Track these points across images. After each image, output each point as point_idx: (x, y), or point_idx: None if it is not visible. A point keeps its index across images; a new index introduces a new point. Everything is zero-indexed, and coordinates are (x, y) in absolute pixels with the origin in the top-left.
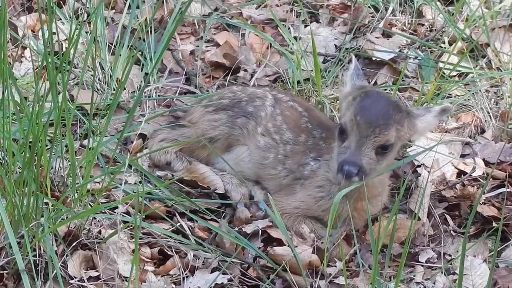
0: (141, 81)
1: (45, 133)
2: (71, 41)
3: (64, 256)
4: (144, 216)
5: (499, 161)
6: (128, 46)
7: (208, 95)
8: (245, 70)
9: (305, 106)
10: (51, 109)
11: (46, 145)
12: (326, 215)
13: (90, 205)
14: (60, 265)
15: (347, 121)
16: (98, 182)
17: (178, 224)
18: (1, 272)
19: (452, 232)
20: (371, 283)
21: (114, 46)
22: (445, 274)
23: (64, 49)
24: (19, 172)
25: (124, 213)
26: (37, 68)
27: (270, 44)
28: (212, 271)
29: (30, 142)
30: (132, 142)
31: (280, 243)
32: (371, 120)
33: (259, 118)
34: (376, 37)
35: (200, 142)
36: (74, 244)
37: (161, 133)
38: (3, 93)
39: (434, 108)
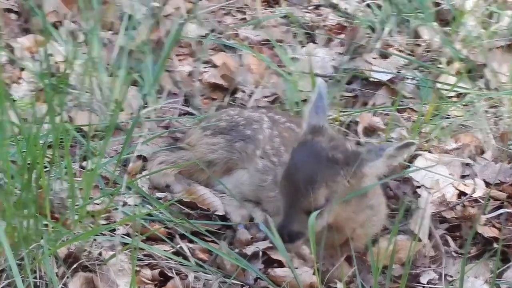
0: (140, 103)
1: (44, 154)
2: (68, 62)
3: (65, 278)
4: (144, 238)
5: (499, 181)
6: (127, 67)
7: (204, 117)
8: (243, 91)
9: None
10: (49, 130)
11: (45, 167)
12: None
13: (90, 226)
14: (61, 287)
15: (279, 182)
16: (98, 204)
17: (179, 245)
18: None
19: (453, 253)
20: None
21: (112, 68)
22: None
23: (61, 71)
24: (18, 194)
25: (124, 234)
26: (35, 90)
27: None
28: None
29: (28, 164)
30: (132, 164)
31: (280, 264)
32: (295, 185)
33: (258, 141)
34: (374, 58)
35: (199, 165)
36: (74, 266)
37: (160, 155)
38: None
39: (388, 149)
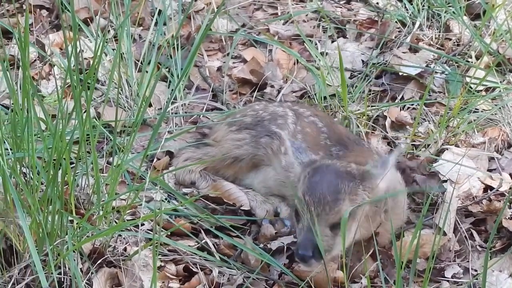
0: (168, 98)
1: (70, 150)
2: (96, 57)
3: (89, 273)
4: (169, 233)
5: None
6: (155, 63)
7: (231, 112)
8: (272, 86)
9: (326, 121)
10: (75, 126)
11: (72, 163)
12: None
13: (115, 222)
14: (85, 283)
15: (297, 202)
16: (124, 200)
17: (203, 241)
18: None
19: (478, 247)
20: None
21: (141, 63)
22: None
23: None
24: (44, 190)
25: (149, 230)
26: (65, 85)
27: (297, 60)
28: (237, 287)
29: (54, 159)
30: (159, 159)
31: None
32: (319, 199)
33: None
34: (403, 52)
35: (225, 161)
36: (99, 261)
37: (185, 152)
38: (28, 112)
39: (390, 160)
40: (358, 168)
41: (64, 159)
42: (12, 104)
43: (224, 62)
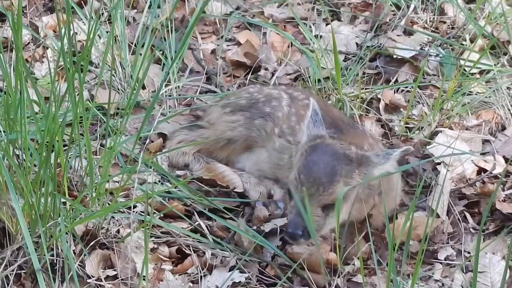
0: (162, 81)
1: (62, 132)
2: (89, 40)
3: (82, 255)
4: (162, 215)
5: None
6: (148, 45)
7: (225, 94)
8: (266, 69)
9: (321, 104)
10: (68, 108)
11: (65, 145)
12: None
13: (108, 204)
14: (78, 265)
15: (292, 180)
16: (117, 182)
17: (196, 223)
18: (19, 271)
19: (471, 229)
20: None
21: (135, 46)
22: (463, 272)
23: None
24: (36, 172)
25: (142, 212)
26: (57, 67)
27: (291, 42)
28: (230, 269)
29: (47, 142)
30: (152, 142)
31: None
32: (314, 179)
33: (277, 119)
34: (398, 35)
35: (219, 143)
36: (92, 243)
37: (179, 134)
38: (21, 94)
39: (394, 154)
40: (357, 152)
41: (57, 141)
42: (5, 86)
43: (218, 45)
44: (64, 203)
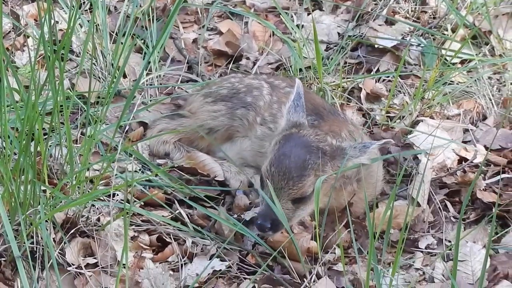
0: (143, 69)
1: (43, 120)
2: (70, 28)
3: (62, 243)
4: (143, 203)
5: (500, 147)
6: (130, 34)
7: (206, 82)
8: (248, 58)
9: (303, 91)
10: (48, 96)
11: (45, 133)
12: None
13: (88, 192)
14: (58, 252)
15: (264, 170)
16: (98, 170)
17: (177, 211)
18: None
19: (452, 218)
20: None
21: (116, 35)
22: (444, 260)
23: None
24: (16, 160)
25: (123, 200)
26: (37, 56)
27: (273, 32)
28: (211, 258)
29: (27, 130)
30: (133, 130)
31: None
32: (284, 172)
33: (258, 108)
34: (379, 25)
35: (200, 132)
36: (72, 231)
37: (160, 123)
38: (1, 82)
39: (371, 148)
40: (332, 145)
41: (37, 129)
42: None
43: (200, 34)
44: (44, 191)
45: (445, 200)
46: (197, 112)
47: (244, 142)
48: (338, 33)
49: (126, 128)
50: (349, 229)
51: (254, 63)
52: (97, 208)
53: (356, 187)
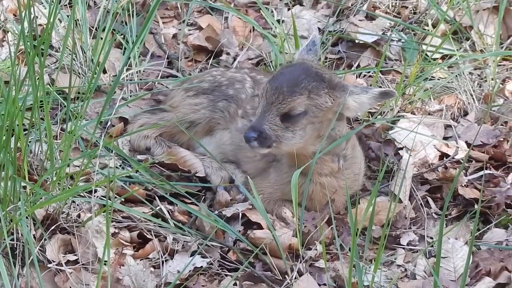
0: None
1: (23, 116)
2: (49, 23)
3: (43, 240)
4: (123, 200)
5: (481, 143)
6: (109, 29)
7: (188, 78)
8: (228, 54)
9: None
10: (28, 92)
11: (25, 129)
12: (299, 197)
13: (69, 188)
14: (39, 249)
15: (260, 88)
16: (78, 166)
17: (158, 207)
18: None
19: (434, 214)
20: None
21: (96, 30)
22: (426, 257)
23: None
24: None
25: (103, 196)
26: (17, 51)
27: (253, 27)
28: (192, 254)
29: (7, 126)
30: (114, 126)
31: (260, 226)
32: (277, 87)
33: (240, 100)
34: (360, 20)
35: (181, 126)
36: (52, 228)
37: (141, 118)
38: None
39: (373, 90)
40: (333, 77)
41: (17, 125)
42: None
43: (180, 29)
44: (24, 187)
45: (427, 196)
46: (178, 106)
47: (224, 134)
48: (319, 28)
49: (108, 124)
50: (331, 226)
51: (234, 59)
52: (78, 205)
53: (341, 164)
